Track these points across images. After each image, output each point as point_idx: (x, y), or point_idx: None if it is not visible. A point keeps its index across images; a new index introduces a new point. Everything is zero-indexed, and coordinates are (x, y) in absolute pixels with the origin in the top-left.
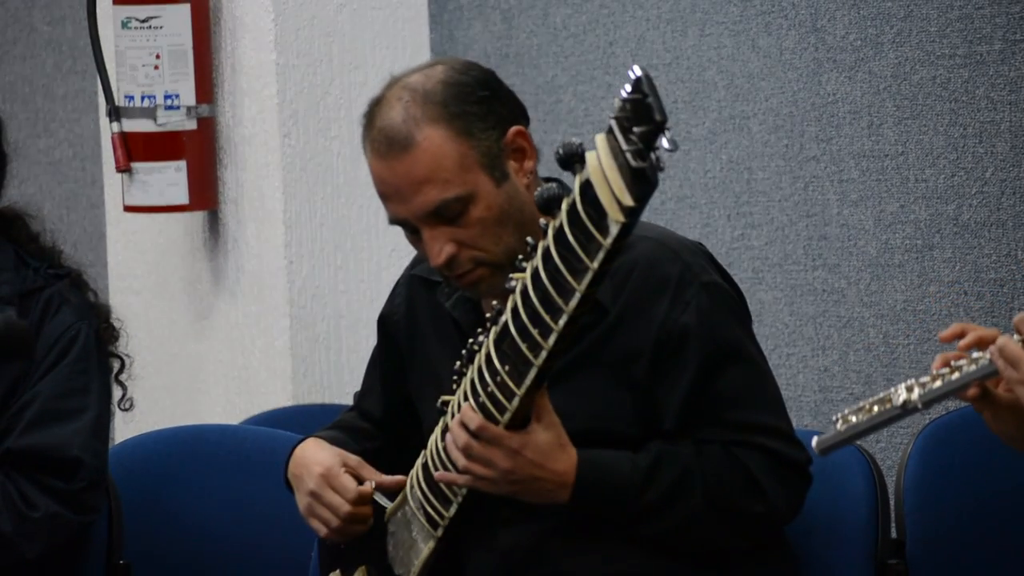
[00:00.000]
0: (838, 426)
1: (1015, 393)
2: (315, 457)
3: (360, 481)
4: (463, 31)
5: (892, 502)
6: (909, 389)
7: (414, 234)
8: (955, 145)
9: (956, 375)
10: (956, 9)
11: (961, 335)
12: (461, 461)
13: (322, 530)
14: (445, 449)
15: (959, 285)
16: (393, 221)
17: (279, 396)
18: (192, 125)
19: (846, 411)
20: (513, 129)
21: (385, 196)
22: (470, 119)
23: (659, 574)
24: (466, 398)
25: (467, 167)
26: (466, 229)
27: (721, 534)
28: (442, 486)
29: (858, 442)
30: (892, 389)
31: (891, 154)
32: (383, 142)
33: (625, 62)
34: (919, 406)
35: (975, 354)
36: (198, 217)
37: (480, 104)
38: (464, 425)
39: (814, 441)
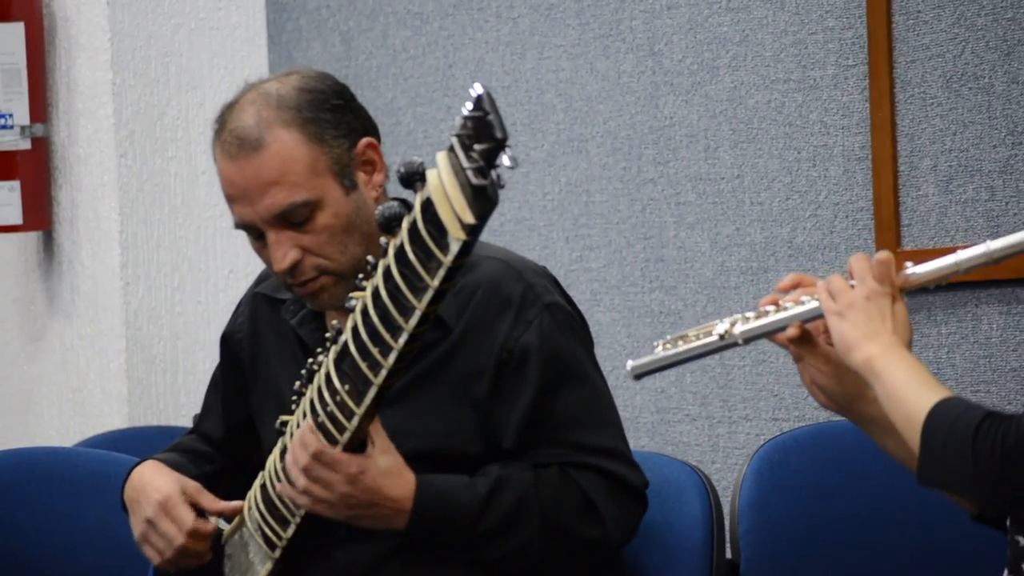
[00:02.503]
0: (657, 350)
1: (828, 325)
2: (153, 483)
3: (199, 509)
4: (302, 52)
5: (727, 523)
6: (732, 323)
7: (259, 240)
8: (789, 168)
9: (781, 313)
10: (790, 35)
11: (797, 285)
12: (301, 481)
13: (155, 559)
14: (285, 468)
15: None
16: (239, 225)
17: (114, 418)
18: (26, 145)
19: (668, 337)
20: (364, 141)
21: (232, 198)
22: (323, 125)
23: None
24: (305, 418)
25: (317, 172)
26: (312, 235)
27: (557, 559)
28: (280, 508)
29: (694, 462)
30: (714, 322)
31: (727, 177)
32: (233, 143)
33: (464, 84)
34: (739, 341)
35: (803, 298)
36: (32, 237)
37: (333, 112)
38: (304, 445)
39: (629, 364)
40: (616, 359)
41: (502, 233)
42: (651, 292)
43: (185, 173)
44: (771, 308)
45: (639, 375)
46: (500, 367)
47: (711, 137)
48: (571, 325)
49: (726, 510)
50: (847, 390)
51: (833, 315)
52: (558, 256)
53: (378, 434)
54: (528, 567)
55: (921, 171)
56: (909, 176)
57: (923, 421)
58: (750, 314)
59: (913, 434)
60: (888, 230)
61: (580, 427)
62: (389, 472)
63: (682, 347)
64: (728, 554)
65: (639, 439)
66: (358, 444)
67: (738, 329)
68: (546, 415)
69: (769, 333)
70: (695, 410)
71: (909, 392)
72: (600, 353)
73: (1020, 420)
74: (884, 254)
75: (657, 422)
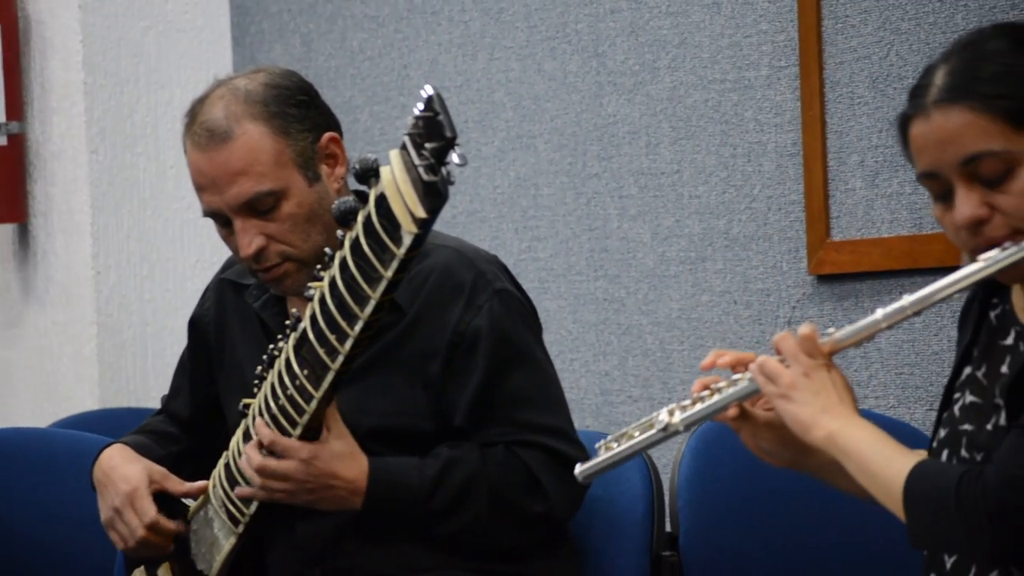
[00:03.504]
0: (600, 453)
1: (776, 408)
2: (121, 471)
3: (167, 496)
4: (264, 53)
5: (667, 498)
6: (671, 412)
7: (226, 227)
8: (726, 164)
9: (716, 396)
10: (726, 37)
11: (716, 360)
12: (257, 480)
13: (120, 545)
14: (241, 470)
15: (729, 295)
16: (207, 213)
17: (86, 401)
18: (2, 141)
19: (609, 438)
20: (327, 135)
21: (202, 187)
22: (288, 119)
23: (447, 568)
24: (266, 401)
25: (282, 163)
26: (277, 224)
27: (504, 534)
28: (242, 483)
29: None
30: (654, 414)
31: (667, 172)
32: (203, 135)
33: (418, 84)
34: (680, 429)
35: (734, 376)
36: (7, 229)
37: (298, 107)
38: (258, 442)
39: (577, 469)
40: (562, 344)
41: (455, 224)
42: (595, 280)
43: (154, 168)
44: (706, 393)
45: (587, 478)
46: (452, 349)
47: (652, 134)
48: (520, 311)
49: (666, 486)
50: (792, 447)
51: (778, 398)
52: (508, 246)
53: (334, 420)
54: (477, 542)
55: (849, 166)
56: (838, 171)
57: (902, 489)
58: (686, 402)
59: (894, 502)
60: (818, 222)
61: (527, 407)
62: (343, 455)
63: (624, 445)
64: (668, 527)
65: (584, 419)
66: (315, 429)
67: (677, 418)
68: (495, 395)
69: (707, 416)
70: (637, 392)
71: (879, 462)
72: (547, 338)
73: (988, 481)
74: (805, 328)
75: (601, 403)
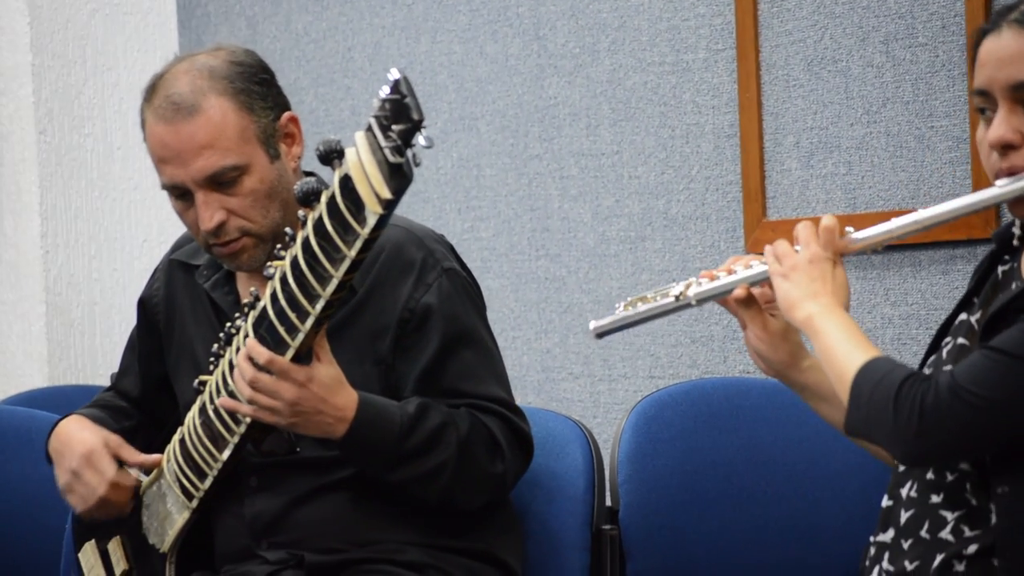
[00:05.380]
0: (619, 310)
1: (773, 285)
2: (79, 436)
3: (121, 462)
4: (210, 36)
5: (607, 473)
6: (687, 286)
7: (184, 201)
8: (664, 145)
9: (731, 277)
10: (665, 21)
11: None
12: (247, 392)
13: (79, 506)
14: (218, 398)
15: (668, 273)
16: (167, 186)
17: (35, 378)
18: None
19: (628, 299)
20: (287, 114)
21: (164, 160)
22: (252, 96)
23: (395, 542)
24: (223, 378)
25: (246, 139)
26: (238, 199)
27: (462, 487)
28: (199, 461)
29: (577, 417)
30: (671, 284)
31: (607, 153)
32: (169, 108)
33: (362, 66)
34: (693, 302)
35: (752, 263)
36: None
37: (261, 85)
38: (251, 359)
39: (591, 324)
40: (505, 322)
41: (399, 204)
42: (537, 260)
43: (101, 149)
44: (722, 273)
45: (601, 334)
46: (402, 325)
47: (592, 116)
48: (467, 289)
49: (606, 461)
50: (782, 358)
51: (777, 276)
52: (451, 226)
53: (323, 350)
54: (432, 494)
55: (785, 147)
56: (774, 152)
57: (853, 377)
58: (703, 278)
59: (844, 388)
60: (755, 201)
61: (475, 380)
62: (334, 382)
63: (641, 307)
64: (608, 501)
65: (526, 396)
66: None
67: (692, 291)
68: (444, 371)
69: (720, 294)
70: (578, 369)
71: (843, 349)
72: (490, 316)
73: (939, 382)
74: (829, 219)
75: (543, 380)
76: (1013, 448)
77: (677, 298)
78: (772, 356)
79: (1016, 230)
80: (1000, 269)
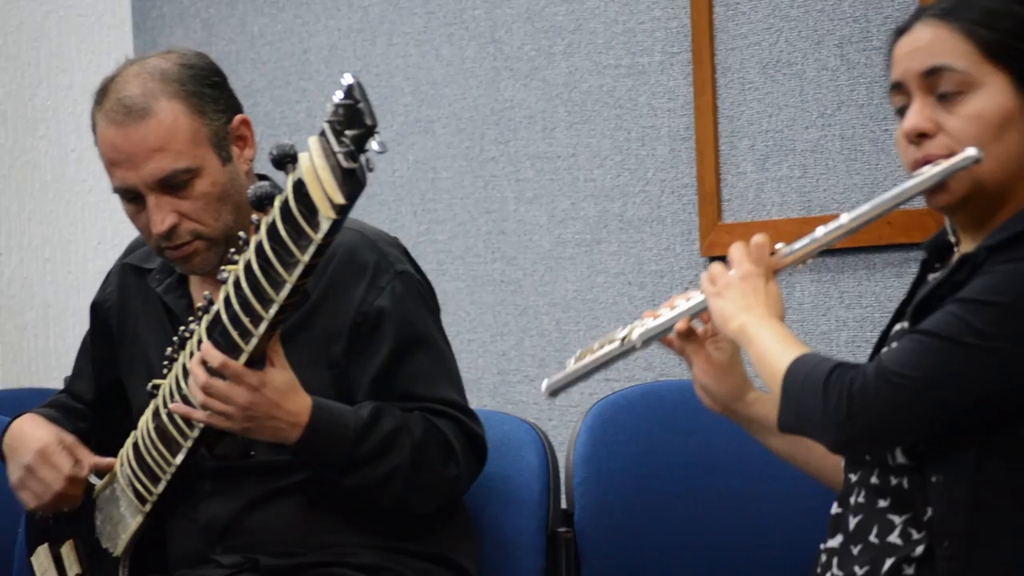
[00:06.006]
0: (569, 365)
1: (708, 307)
2: (33, 433)
3: (75, 460)
4: (165, 38)
5: (563, 475)
6: (631, 328)
7: (136, 204)
8: (620, 148)
9: (671, 312)
10: (620, 24)
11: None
12: (200, 397)
13: (32, 502)
14: (182, 391)
15: (624, 276)
16: (119, 189)
17: None
18: None
19: (578, 352)
20: (239, 117)
21: (115, 163)
22: (204, 99)
23: (350, 546)
24: (177, 382)
25: (198, 142)
26: (190, 202)
27: (416, 491)
28: (152, 465)
29: (532, 420)
30: (618, 327)
31: (563, 156)
32: (120, 111)
33: (318, 68)
34: (637, 344)
35: (692, 295)
36: None
37: (213, 88)
38: (204, 363)
39: (544, 383)
40: (460, 324)
41: (354, 207)
42: (493, 262)
43: (55, 151)
44: (665, 310)
45: (554, 391)
46: (355, 329)
47: (548, 119)
48: (421, 292)
49: (562, 463)
50: (727, 391)
51: (712, 296)
52: (407, 229)
53: (276, 354)
54: (387, 498)
55: (740, 150)
56: (729, 155)
57: (783, 374)
58: (647, 319)
59: (776, 387)
60: (710, 204)
61: (429, 383)
62: (288, 387)
63: (589, 359)
64: (563, 504)
65: (481, 399)
66: None
67: (636, 334)
68: (397, 374)
69: (663, 332)
70: (533, 371)
71: (775, 350)
72: (445, 319)
73: (866, 368)
74: (759, 237)
75: (498, 383)
76: (946, 433)
77: (622, 341)
78: (718, 389)
79: (951, 237)
80: (931, 276)
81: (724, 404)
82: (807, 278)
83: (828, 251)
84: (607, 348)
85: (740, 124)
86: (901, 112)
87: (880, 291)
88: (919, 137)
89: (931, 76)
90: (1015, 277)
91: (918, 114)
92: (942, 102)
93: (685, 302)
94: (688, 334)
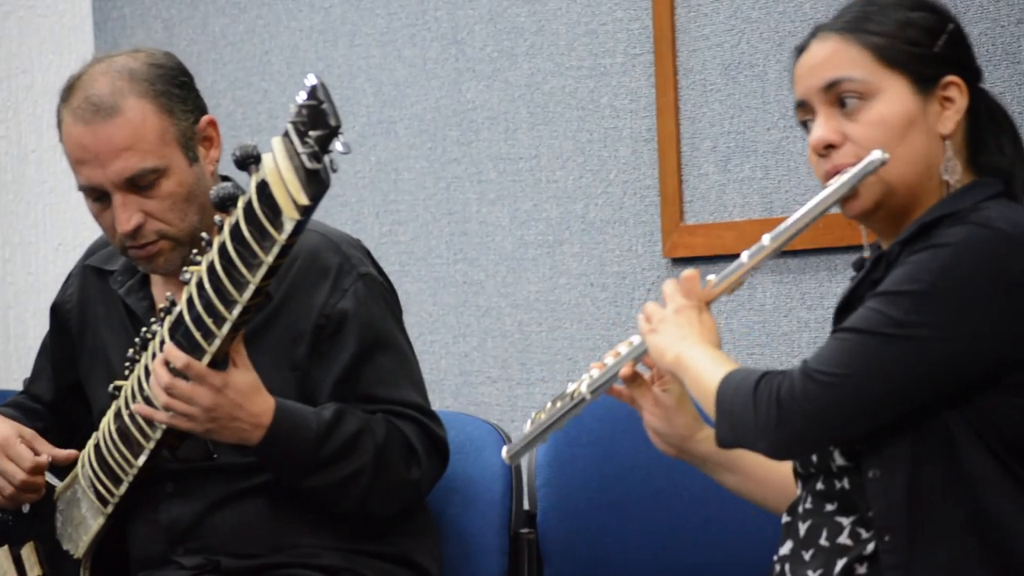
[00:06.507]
0: (526, 428)
1: (645, 343)
2: None
3: (35, 453)
4: (126, 38)
5: (525, 477)
6: (580, 382)
7: (101, 203)
8: (582, 149)
9: (615, 360)
10: (583, 25)
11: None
12: (163, 398)
13: None
14: (133, 404)
15: (586, 277)
16: (84, 187)
17: None
18: None
19: (533, 415)
20: (206, 118)
21: (82, 161)
22: (172, 99)
23: (312, 547)
24: (139, 383)
25: (166, 141)
26: (156, 201)
27: (378, 494)
28: (114, 467)
29: (495, 421)
30: (569, 383)
31: (525, 157)
32: (88, 109)
33: (280, 70)
34: (587, 396)
35: (633, 339)
36: None
37: (181, 88)
38: (167, 364)
39: (504, 451)
40: (423, 326)
41: (317, 209)
42: (455, 264)
43: (15, 152)
44: (610, 358)
45: (513, 456)
46: (318, 331)
47: (510, 120)
48: (383, 294)
49: (524, 465)
50: (678, 431)
51: (648, 334)
52: (369, 230)
53: (239, 355)
54: (349, 499)
55: (702, 152)
56: (691, 156)
57: (715, 393)
58: (595, 371)
59: (711, 406)
60: (672, 205)
61: (391, 385)
62: (251, 388)
63: (543, 418)
64: (526, 505)
65: (444, 400)
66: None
67: (584, 386)
68: (359, 377)
69: (609, 379)
70: (496, 373)
71: (708, 372)
72: (408, 320)
73: (792, 372)
74: (688, 271)
75: (461, 384)
76: (877, 427)
77: (572, 396)
78: (669, 431)
79: (866, 253)
80: (852, 278)
81: (677, 445)
82: (769, 279)
83: (789, 252)
84: (559, 405)
85: (702, 125)
86: (804, 125)
87: (841, 292)
88: (827, 149)
89: (831, 89)
90: (926, 264)
91: (823, 127)
92: (845, 113)
93: (627, 347)
94: (634, 378)
